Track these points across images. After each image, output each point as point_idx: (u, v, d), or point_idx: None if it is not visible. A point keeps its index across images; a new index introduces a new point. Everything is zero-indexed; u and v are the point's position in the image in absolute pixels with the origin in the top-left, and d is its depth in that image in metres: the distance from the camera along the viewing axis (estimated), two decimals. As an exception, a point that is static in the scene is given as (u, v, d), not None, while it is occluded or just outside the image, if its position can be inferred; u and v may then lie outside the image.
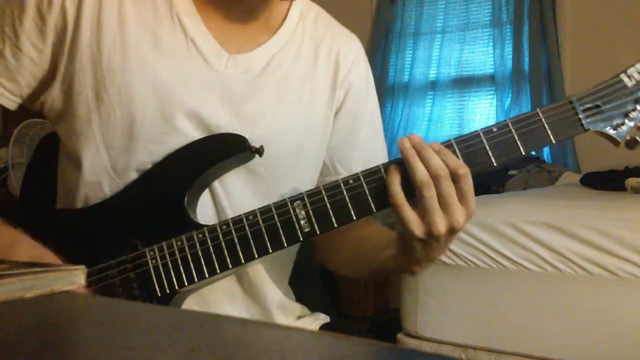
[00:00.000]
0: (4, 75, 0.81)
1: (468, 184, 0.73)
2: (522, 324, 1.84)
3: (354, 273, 0.97)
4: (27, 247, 0.73)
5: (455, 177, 0.72)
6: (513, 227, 1.85)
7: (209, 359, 0.33)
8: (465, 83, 3.46)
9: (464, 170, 0.72)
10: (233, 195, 0.84)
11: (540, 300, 1.82)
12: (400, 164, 0.75)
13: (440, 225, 0.72)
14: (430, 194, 0.71)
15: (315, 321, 0.96)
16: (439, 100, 3.50)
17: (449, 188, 0.72)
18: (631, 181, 2.26)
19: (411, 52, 3.60)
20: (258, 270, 0.87)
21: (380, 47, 3.63)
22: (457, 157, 0.75)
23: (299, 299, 0.97)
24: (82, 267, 0.51)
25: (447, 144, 0.76)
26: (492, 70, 3.37)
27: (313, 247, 0.99)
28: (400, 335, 2.06)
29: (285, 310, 0.93)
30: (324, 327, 0.96)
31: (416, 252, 0.75)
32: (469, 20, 3.46)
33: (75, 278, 0.50)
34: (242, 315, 0.88)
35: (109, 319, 0.43)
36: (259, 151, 0.82)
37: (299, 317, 0.96)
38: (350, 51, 0.95)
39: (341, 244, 0.93)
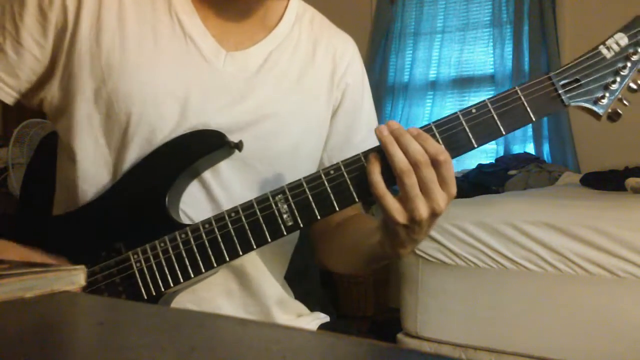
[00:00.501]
0: (4, 70, 0.82)
1: (449, 169, 0.72)
2: (522, 324, 1.84)
3: (349, 266, 0.97)
4: None
5: (435, 163, 0.71)
6: (513, 227, 1.85)
7: (209, 358, 0.33)
8: (465, 83, 3.46)
9: (444, 156, 0.71)
10: (231, 192, 0.84)
11: (540, 300, 1.82)
12: (380, 151, 0.74)
13: (422, 210, 0.71)
14: (410, 181, 0.71)
15: (314, 320, 0.96)
16: (439, 100, 3.51)
17: (430, 174, 0.71)
18: (631, 181, 2.26)
19: (411, 52, 3.60)
20: (255, 265, 0.87)
21: (380, 47, 3.63)
22: (437, 141, 0.74)
23: (299, 299, 0.97)
24: (82, 267, 0.51)
25: (427, 128, 0.75)
26: (492, 70, 3.37)
27: (313, 250, 0.99)
28: (400, 335, 2.06)
29: (284, 307, 0.92)
30: (323, 327, 0.96)
31: (400, 236, 0.75)
32: (469, 20, 3.46)
33: (75, 278, 0.50)
34: (239, 313, 0.87)
35: (109, 319, 0.43)
36: (238, 146, 0.81)
37: (299, 316, 0.96)
38: (347, 52, 0.96)
39: (334, 239, 0.93)
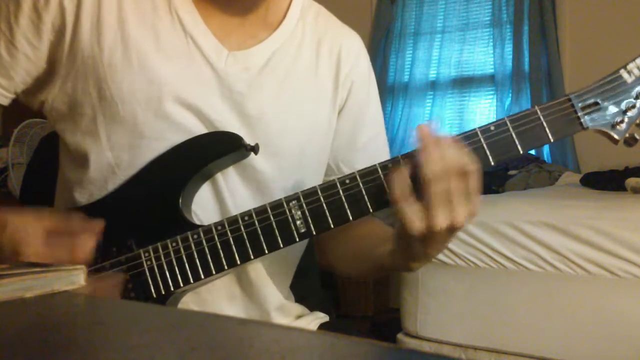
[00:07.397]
0: None
1: (475, 182, 0.70)
2: (522, 324, 1.84)
3: (355, 271, 0.96)
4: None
5: (464, 174, 0.69)
6: (513, 227, 1.85)
7: (209, 358, 0.33)
8: (465, 83, 3.46)
9: (474, 167, 0.70)
10: (237, 193, 0.84)
11: (540, 300, 1.82)
12: (399, 161, 0.74)
13: (442, 221, 0.69)
14: (439, 188, 0.68)
15: (314, 320, 0.96)
16: (439, 100, 3.50)
17: (457, 183, 0.69)
18: (631, 181, 2.25)
19: (411, 52, 3.59)
20: (259, 272, 0.87)
21: (380, 47, 3.62)
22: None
23: (299, 300, 0.97)
24: (82, 267, 0.51)
25: (458, 139, 0.74)
26: (492, 70, 3.37)
27: (314, 251, 0.98)
28: (400, 335, 2.06)
29: (284, 312, 0.92)
30: (323, 326, 0.96)
31: (414, 248, 0.73)
32: (469, 20, 3.46)
33: (75, 278, 0.50)
34: (240, 316, 0.87)
35: (109, 319, 0.43)
36: (254, 149, 0.81)
37: (298, 317, 0.96)
38: (352, 49, 0.95)
39: (341, 242, 0.92)
